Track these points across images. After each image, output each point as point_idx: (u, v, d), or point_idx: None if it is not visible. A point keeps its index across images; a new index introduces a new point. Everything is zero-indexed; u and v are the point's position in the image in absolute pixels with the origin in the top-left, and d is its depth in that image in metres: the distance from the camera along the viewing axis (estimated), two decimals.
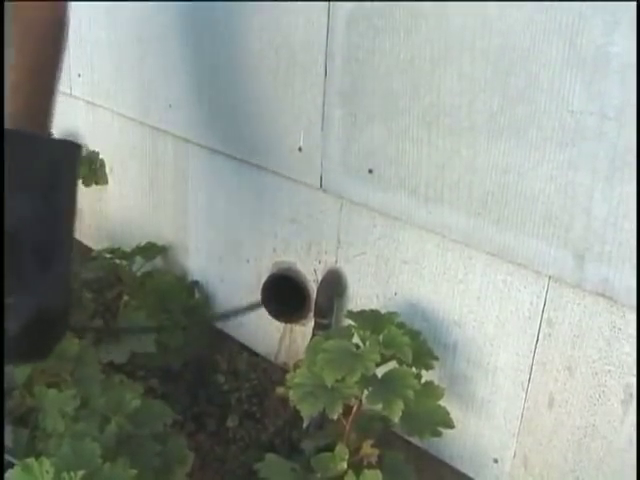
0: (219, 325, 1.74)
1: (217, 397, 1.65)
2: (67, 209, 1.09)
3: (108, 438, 1.23)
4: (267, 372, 1.65)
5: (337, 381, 1.12)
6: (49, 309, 1.05)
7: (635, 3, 0.94)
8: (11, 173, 0.98)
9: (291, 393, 1.16)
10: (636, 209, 1.00)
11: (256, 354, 1.66)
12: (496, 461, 1.29)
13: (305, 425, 1.20)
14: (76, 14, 1.93)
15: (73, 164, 1.11)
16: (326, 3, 1.26)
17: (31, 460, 1.10)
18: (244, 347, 1.69)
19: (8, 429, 1.32)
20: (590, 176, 1.03)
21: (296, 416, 1.50)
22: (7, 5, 1.10)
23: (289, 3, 1.32)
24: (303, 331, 1.55)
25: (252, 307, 0.98)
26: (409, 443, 1.36)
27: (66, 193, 1.09)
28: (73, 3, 1.94)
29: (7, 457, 1.36)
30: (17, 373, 1.37)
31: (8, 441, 1.32)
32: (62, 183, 1.07)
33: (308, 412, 1.13)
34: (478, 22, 1.08)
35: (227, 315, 1.23)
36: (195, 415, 1.62)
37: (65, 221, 1.09)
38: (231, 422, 1.60)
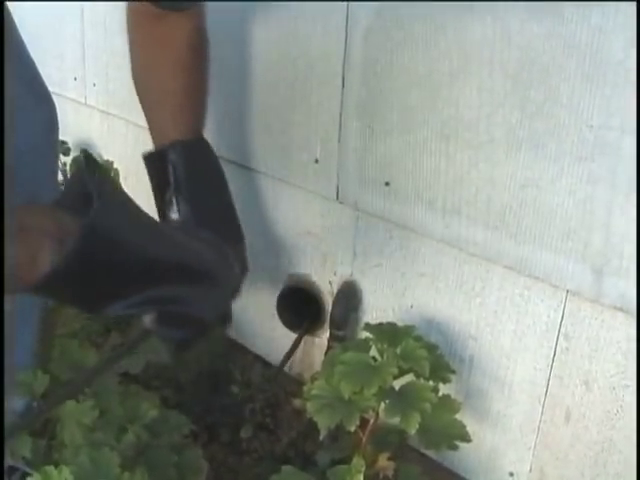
0: (233, 335, 1.74)
1: (231, 408, 1.65)
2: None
3: (126, 448, 1.24)
4: (281, 383, 1.65)
5: (354, 393, 1.12)
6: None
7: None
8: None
9: (308, 405, 1.16)
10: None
11: (270, 365, 1.66)
12: (512, 475, 1.29)
13: (322, 437, 1.20)
14: (91, 24, 1.94)
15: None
16: (344, 14, 1.27)
17: (50, 468, 1.10)
18: (258, 358, 1.69)
19: (27, 439, 1.33)
20: (609, 191, 1.03)
21: (310, 428, 1.50)
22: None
23: (307, 15, 1.32)
24: (318, 343, 1.55)
25: (140, 338, 0.97)
26: (424, 456, 1.36)
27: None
28: (87, 14, 1.95)
29: (24, 468, 1.37)
30: (35, 384, 1.37)
31: (26, 452, 1.32)
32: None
33: (325, 424, 1.13)
34: (497, 36, 1.08)
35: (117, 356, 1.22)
36: (208, 426, 1.62)
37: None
38: (244, 433, 1.59)
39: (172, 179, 1.15)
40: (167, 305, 0.90)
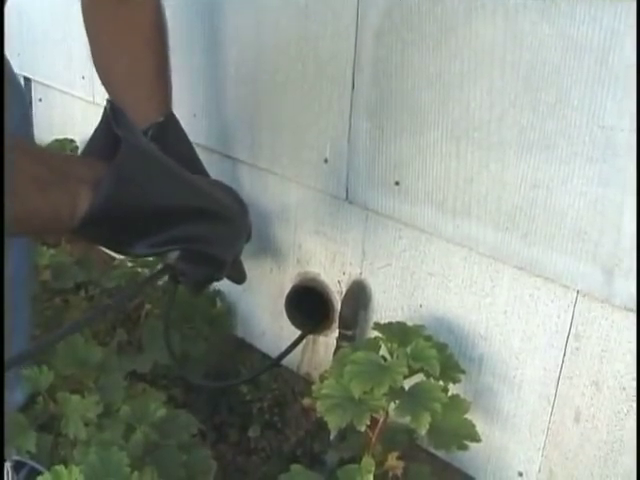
0: (241, 334, 1.75)
1: (238, 407, 1.66)
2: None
3: (134, 447, 1.24)
4: (289, 383, 1.65)
5: (365, 393, 1.13)
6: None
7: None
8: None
9: (318, 404, 1.16)
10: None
11: (278, 364, 1.67)
12: (521, 475, 1.29)
13: (332, 437, 1.20)
14: None
15: None
16: (354, 14, 1.27)
17: (60, 468, 1.10)
18: (266, 357, 1.70)
19: (32, 435, 1.33)
20: (620, 192, 1.03)
21: (318, 427, 1.51)
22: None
23: (317, 14, 1.32)
24: (326, 342, 1.55)
25: (163, 272, 1.00)
26: (433, 456, 1.36)
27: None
28: None
29: (31, 463, 1.37)
30: (41, 380, 1.38)
31: (31, 447, 1.33)
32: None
33: (336, 424, 1.13)
34: (509, 37, 1.08)
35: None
36: (217, 425, 1.63)
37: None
38: (253, 432, 1.60)
39: None
40: (190, 244, 0.94)
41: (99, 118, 0.91)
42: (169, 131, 1.26)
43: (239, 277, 1.27)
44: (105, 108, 0.88)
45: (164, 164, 0.90)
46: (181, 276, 1.02)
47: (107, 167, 0.81)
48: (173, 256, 0.96)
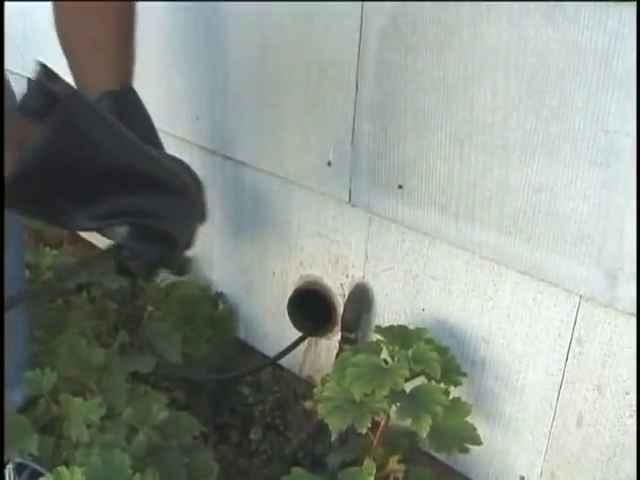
0: (243, 337, 1.75)
1: (240, 409, 1.66)
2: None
3: (136, 449, 1.24)
4: (291, 385, 1.65)
5: (366, 395, 1.13)
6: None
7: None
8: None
9: (320, 407, 1.16)
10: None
11: (280, 367, 1.67)
12: (523, 478, 1.29)
13: (333, 439, 1.20)
14: None
15: None
16: (358, 18, 1.27)
17: (62, 469, 1.10)
18: (268, 359, 1.69)
19: (35, 437, 1.33)
20: (623, 196, 1.03)
21: (320, 429, 1.51)
22: None
23: (321, 18, 1.32)
24: (328, 345, 1.55)
25: (112, 250, 0.93)
26: (434, 459, 1.36)
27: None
28: None
29: (33, 465, 1.37)
30: (43, 382, 1.38)
31: (33, 449, 1.33)
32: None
33: (337, 426, 1.13)
34: (513, 40, 1.08)
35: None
36: (218, 426, 1.63)
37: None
38: (254, 434, 1.60)
39: None
40: (140, 218, 0.87)
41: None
42: (126, 104, 1.13)
43: (181, 267, 1.16)
44: (36, 71, 0.81)
45: (110, 121, 0.83)
46: (130, 258, 0.93)
47: (38, 124, 0.76)
48: (121, 232, 0.88)
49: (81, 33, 1.15)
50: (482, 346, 1.28)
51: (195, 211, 1.02)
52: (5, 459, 1.34)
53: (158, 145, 1.17)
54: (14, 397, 1.39)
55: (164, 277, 1.80)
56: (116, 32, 1.16)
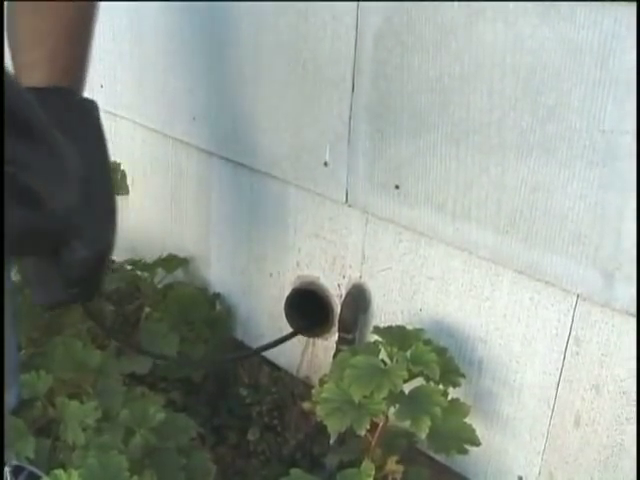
0: (240, 337, 1.74)
1: (238, 410, 1.65)
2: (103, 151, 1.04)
3: (133, 451, 1.24)
4: (288, 386, 1.65)
5: (364, 397, 1.13)
6: (109, 244, 1.00)
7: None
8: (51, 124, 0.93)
9: (318, 408, 1.15)
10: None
11: (277, 367, 1.66)
12: (521, 478, 1.29)
13: (332, 440, 1.20)
14: (99, 27, 1.94)
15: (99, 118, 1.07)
16: (354, 17, 1.26)
17: (59, 471, 1.10)
18: (265, 360, 1.69)
19: (31, 440, 1.33)
20: (620, 195, 1.03)
21: (318, 430, 1.51)
22: None
23: (317, 17, 1.32)
24: (325, 345, 1.55)
25: None
26: (433, 459, 1.36)
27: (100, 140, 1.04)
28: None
29: (30, 468, 1.37)
30: (39, 384, 1.38)
31: (30, 452, 1.32)
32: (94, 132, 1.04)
33: (335, 428, 1.13)
34: (509, 40, 1.08)
35: None
36: (216, 427, 1.62)
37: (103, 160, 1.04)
38: (252, 435, 1.60)
39: None
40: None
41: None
42: (51, 105, 0.92)
43: (88, 286, 1.00)
44: None
45: None
46: None
47: None
48: None
49: (23, 27, 1.07)
50: (479, 346, 1.28)
51: (68, 169, 0.83)
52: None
53: (96, 164, 1.02)
54: (7, 399, 1.38)
55: (161, 278, 1.80)
56: (60, 28, 1.06)
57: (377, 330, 1.25)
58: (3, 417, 1.22)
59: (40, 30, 1.06)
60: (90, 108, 1.07)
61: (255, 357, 1.72)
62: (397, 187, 1.29)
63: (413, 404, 1.12)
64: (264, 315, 1.67)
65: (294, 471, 1.21)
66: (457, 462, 1.36)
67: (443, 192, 1.23)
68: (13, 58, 1.06)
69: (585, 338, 1.14)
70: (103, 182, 1.02)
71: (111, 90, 1.90)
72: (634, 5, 0.95)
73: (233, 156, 1.60)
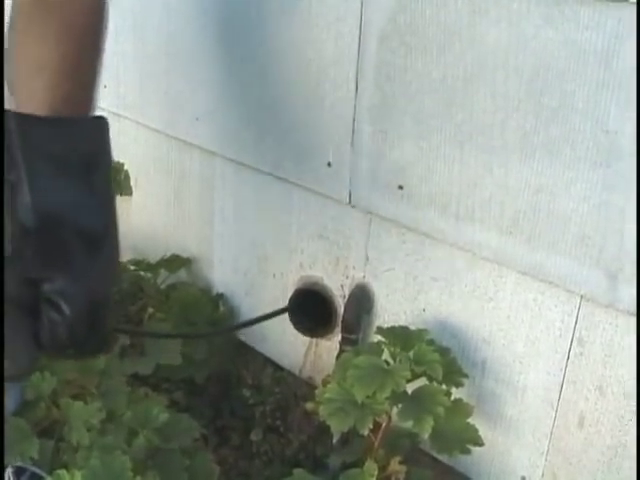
0: (243, 338, 1.74)
1: (241, 410, 1.65)
2: (108, 190, 1.02)
3: (137, 452, 1.24)
4: (291, 386, 1.65)
5: (367, 397, 1.13)
6: (100, 296, 0.95)
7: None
8: (52, 160, 0.90)
9: (321, 408, 1.16)
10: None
11: (281, 368, 1.66)
12: (524, 479, 1.29)
13: (335, 441, 1.20)
14: None
15: (108, 141, 1.01)
16: (358, 19, 1.26)
17: (62, 472, 1.10)
18: (268, 360, 1.69)
19: (35, 441, 1.33)
20: (624, 197, 1.03)
21: (321, 431, 1.51)
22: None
23: (320, 18, 1.32)
24: (329, 346, 1.55)
25: None
26: (436, 460, 1.36)
27: (104, 174, 1.00)
28: None
29: (33, 469, 1.37)
30: (43, 385, 1.38)
31: (34, 453, 1.32)
32: (100, 164, 0.98)
33: (338, 428, 1.13)
34: (512, 41, 1.08)
35: None
36: (218, 428, 1.62)
37: (108, 203, 1.02)
38: (255, 436, 1.60)
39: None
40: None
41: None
42: (32, 133, 0.93)
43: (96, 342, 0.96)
44: None
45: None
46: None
47: None
48: None
49: (23, 56, 1.00)
50: (483, 347, 1.28)
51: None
52: (5, 463, 1.34)
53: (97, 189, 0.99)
54: (6, 403, 1.38)
55: (164, 278, 1.81)
56: (59, 55, 0.99)
57: (380, 330, 1.25)
58: (3, 421, 1.22)
59: (41, 59, 0.99)
60: (97, 144, 0.99)
61: (259, 357, 1.72)
62: (401, 188, 1.29)
63: (416, 404, 1.13)
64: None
65: (297, 471, 1.21)
66: (460, 463, 1.36)
67: (447, 193, 1.23)
68: (13, 92, 0.99)
69: (589, 339, 1.14)
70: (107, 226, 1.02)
71: (114, 91, 1.90)
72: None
73: (236, 156, 1.60)
